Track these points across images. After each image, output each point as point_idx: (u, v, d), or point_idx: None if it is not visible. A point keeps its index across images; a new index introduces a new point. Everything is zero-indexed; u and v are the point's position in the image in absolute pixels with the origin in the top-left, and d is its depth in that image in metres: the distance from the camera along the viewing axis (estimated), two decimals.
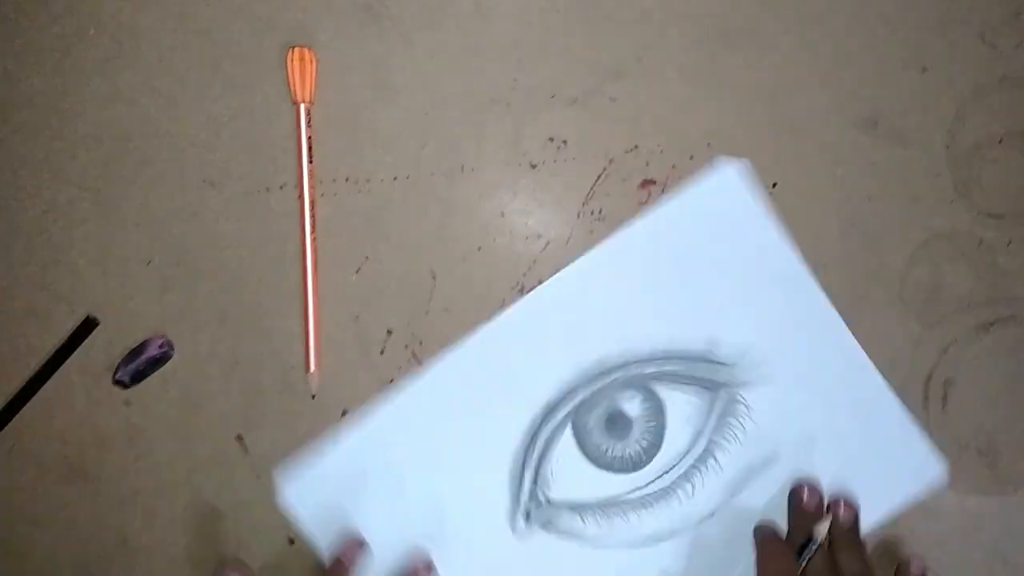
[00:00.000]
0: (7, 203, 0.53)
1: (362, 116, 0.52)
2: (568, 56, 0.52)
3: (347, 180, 0.53)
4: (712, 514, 0.52)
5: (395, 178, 0.53)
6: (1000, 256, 0.53)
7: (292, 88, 0.51)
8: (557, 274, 0.52)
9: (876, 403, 0.52)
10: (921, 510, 0.53)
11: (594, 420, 0.52)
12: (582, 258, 0.52)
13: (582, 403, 0.52)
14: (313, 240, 0.52)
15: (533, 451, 0.52)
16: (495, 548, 0.52)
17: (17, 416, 0.53)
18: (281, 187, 0.52)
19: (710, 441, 0.52)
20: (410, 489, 0.52)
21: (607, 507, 0.52)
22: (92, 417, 0.53)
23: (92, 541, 0.53)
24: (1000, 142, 0.53)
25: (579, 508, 0.52)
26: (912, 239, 0.53)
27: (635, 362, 0.52)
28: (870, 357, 0.53)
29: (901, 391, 0.53)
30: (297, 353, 0.53)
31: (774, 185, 0.53)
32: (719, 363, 0.52)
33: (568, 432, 0.52)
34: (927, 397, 0.53)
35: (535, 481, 0.52)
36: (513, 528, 0.52)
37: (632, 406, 0.52)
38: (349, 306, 0.53)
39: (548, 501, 0.52)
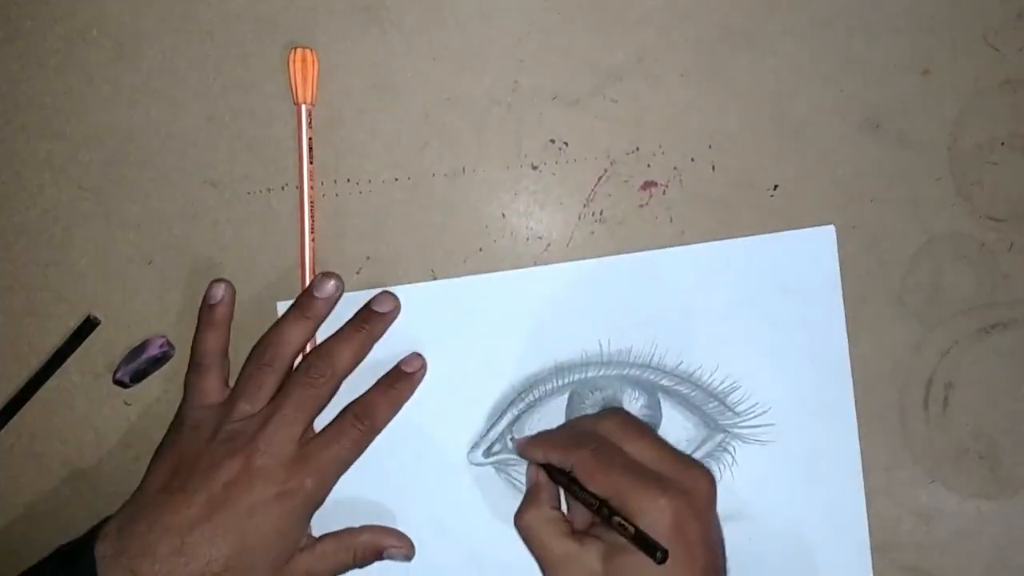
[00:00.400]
0: (7, 203, 0.53)
1: (363, 117, 0.52)
2: (569, 57, 0.52)
3: (347, 180, 0.53)
4: None
5: (396, 179, 0.53)
6: (1001, 259, 0.53)
7: (293, 89, 0.52)
8: (625, 255, 0.52)
9: (847, 518, 0.52)
10: (921, 513, 0.53)
11: (592, 399, 0.52)
12: (654, 252, 0.52)
13: (590, 379, 0.52)
14: (312, 241, 0.52)
15: (524, 397, 0.52)
16: (443, 467, 0.52)
17: (17, 415, 0.53)
18: (283, 187, 0.53)
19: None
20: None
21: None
22: (92, 417, 0.53)
23: None
24: (1002, 145, 0.53)
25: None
26: (913, 241, 0.53)
27: (657, 368, 0.52)
28: (870, 360, 0.53)
29: (901, 393, 0.53)
30: None
31: (775, 187, 0.53)
32: (729, 408, 0.52)
33: (565, 397, 0.52)
34: (927, 400, 0.53)
35: (512, 424, 0.52)
36: (469, 453, 0.52)
37: (633, 405, 0.52)
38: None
39: (512, 448, 0.52)
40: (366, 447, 0.50)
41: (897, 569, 0.53)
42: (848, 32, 0.52)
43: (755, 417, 0.52)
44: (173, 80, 0.52)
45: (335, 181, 0.53)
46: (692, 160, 0.53)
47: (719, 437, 0.52)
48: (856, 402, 0.53)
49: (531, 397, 0.52)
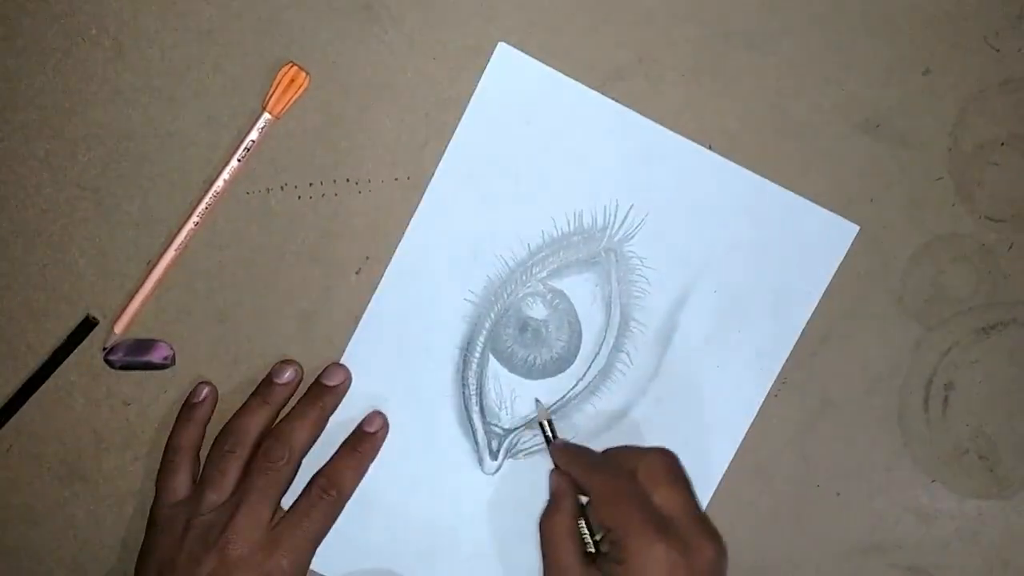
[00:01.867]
0: (7, 203, 0.52)
1: (362, 116, 0.52)
2: (569, 57, 0.52)
3: (347, 180, 0.53)
4: (656, 369, 0.52)
5: (395, 179, 0.53)
6: (1001, 260, 0.53)
7: (268, 96, 0.51)
8: (408, 228, 0.52)
9: (757, 196, 0.52)
10: (921, 514, 0.53)
11: (510, 339, 0.52)
12: (422, 201, 0.52)
13: (491, 329, 0.52)
14: (196, 226, 0.52)
15: (469, 393, 0.52)
16: (473, 492, 0.53)
17: (16, 416, 0.53)
18: (282, 188, 0.52)
19: (622, 305, 0.52)
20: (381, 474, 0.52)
21: (560, 410, 0.53)
22: (91, 417, 0.53)
23: (91, 541, 0.53)
24: (1003, 145, 0.53)
25: (535, 423, 0.52)
26: (913, 242, 0.53)
27: (519, 269, 0.52)
28: (870, 360, 0.53)
29: (901, 393, 0.53)
30: (298, 353, 0.53)
31: None
32: (592, 232, 0.52)
33: (492, 360, 0.52)
34: (927, 400, 0.53)
35: (483, 418, 0.52)
36: (483, 467, 0.53)
37: (537, 310, 0.52)
38: (350, 307, 0.53)
39: (504, 430, 0.52)
40: (337, 515, 0.51)
41: (897, 569, 0.53)
42: (848, 32, 0.52)
43: (614, 216, 0.52)
44: (172, 80, 0.52)
45: (335, 181, 0.53)
46: None
47: (612, 257, 0.52)
48: (856, 402, 0.53)
49: (471, 388, 0.52)
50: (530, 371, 0.52)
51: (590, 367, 0.52)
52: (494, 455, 0.53)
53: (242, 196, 0.53)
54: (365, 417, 0.52)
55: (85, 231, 0.53)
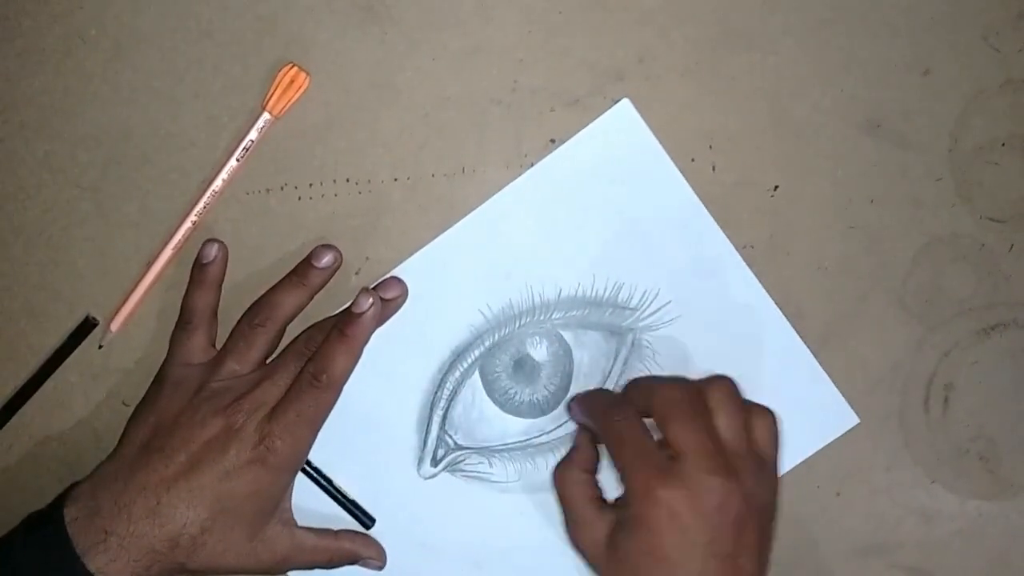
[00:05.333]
0: (7, 203, 0.52)
1: (362, 116, 0.52)
2: (569, 57, 0.52)
3: (347, 180, 0.53)
4: None
5: (395, 179, 0.53)
6: (1002, 260, 0.53)
7: (268, 96, 0.51)
8: (460, 221, 0.52)
9: (782, 347, 0.52)
10: (922, 514, 0.53)
11: (502, 365, 0.52)
12: (485, 205, 0.52)
13: (490, 348, 0.52)
14: (194, 225, 0.52)
15: (441, 396, 0.52)
16: (401, 489, 0.52)
17: (16, 416, 0.53)
18: (282, 187, 0.52)
19: (616, 385, 0.52)
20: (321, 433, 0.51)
21: (514, 451, 0.52)
22: (91, 417, 0.53)
23: None
24: (1002, 145, 0.53)
25: (486, 452, 0.52)
26: (913, 242, 0.53)
27: (542, 307, 0.52)
28: (870, 360, 0.53)
29: (902, 394, 0.53)
30: None
31: (775, 187, 0.53)
32: (623, 307, 0.52)
33: (476, 377, 0.52)
34: (928, 401, 0.53)
35: (443, 425, 0.52)
36: (420, 470, 0.52)
37: (539, 351, 0.52)
38: None
39: (456, 445, 0.52)
40: (332, 403, 0.48)
41: (897, 569, 0.53)
42: (848, 32, 0.52)
43: (650, 304, 0.52)
44: (172, 80, 0.52)
45: (335, 181, 0.53)
46: (692, 160, 0.52)
47: (630, 338, 0.52)
48: (856, 403, 0.53)
49: (446, 392, 0.52)
50: (506, 403, 0.52)
51: (560, 426, 0.52)
52: (435, 462, 0.52)
53: (242, 196, 0.53)
54: (354, 299, 0.49)
55: (85, 231, 0.53)
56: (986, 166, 0.53)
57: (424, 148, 0.52)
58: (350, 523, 0.52)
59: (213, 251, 0.51)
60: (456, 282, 0.52)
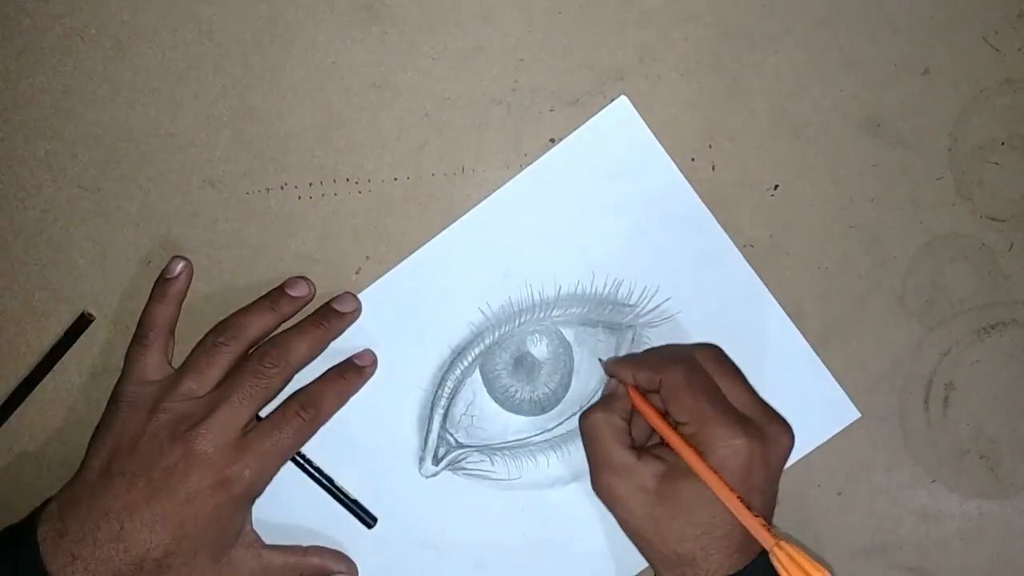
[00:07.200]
0: (7, 202, 0.52)
1: (362, 116, 0.52)
2: (569, 57, 0.52)
3: (347, 180, 0.53)
4: None
5: (395, 178, 0.53)
6: (1002, 259, 0.53)
7: None
8: (459, 220, 0.52)
9: (782, 342, 0.52)
10: (922, 514, 0.53)
11: (502, 363, 0.52)
12: (483, 203, 0.52)
13: (490, 346, 0.52)
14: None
15: (442, 394, 0.52)
16: (403, 488, 0.52)
17: (15, 415, 0.53)
18: (282, 187, 0.52)
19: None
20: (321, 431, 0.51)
21: (515, 449, 0.52)
22: (91, 417, 0.53)
23: None
24: (1002, 145, 0.53)
25: (487, 450, 0.52)
26: (913, 242, 0.53)
27: (542, 305, 0.52)
28: (870, 360, 0.53)
29: (902, 393, 0.53)
30: None
31: (775, 187, 0.53)
32: (623, 304, 0.52)
33: (476, 375, 0.52)
34: (928, 400, 0.53)
35: (443, 423, 0.52)
36: (421, 469, 0.52)
37: (540, 349, 0.52)
38: None
39: (456, 443, 0.52)
40: (309, 437, 0.49)
41: (897, 569, 0.53)
42: (848, 32, 0.52)
43: (650, 300, 0.52)
44: (172, 80, 0.52)
45: (334, 181, 0.53)
46: (692, 160, 0.53)
47: (630, 334, 0.52)
48: (856, 402, 0.53)
49: (446, 390, 0.52)
50: (507, 401, 0.52)
51: (561, 424, 0.52)
52: (436, 461, 0.52)
53: (242, 196, 0.53)
54: (357, 352, 0.51)
55: (85, 231, 0.53)
56: (986, 166, 0.53)
57: (424, 148, 0.53)
58: (350, 523, 0.52)
59: (179, 267, 0.51)
60: (456, 281, 0.52)
